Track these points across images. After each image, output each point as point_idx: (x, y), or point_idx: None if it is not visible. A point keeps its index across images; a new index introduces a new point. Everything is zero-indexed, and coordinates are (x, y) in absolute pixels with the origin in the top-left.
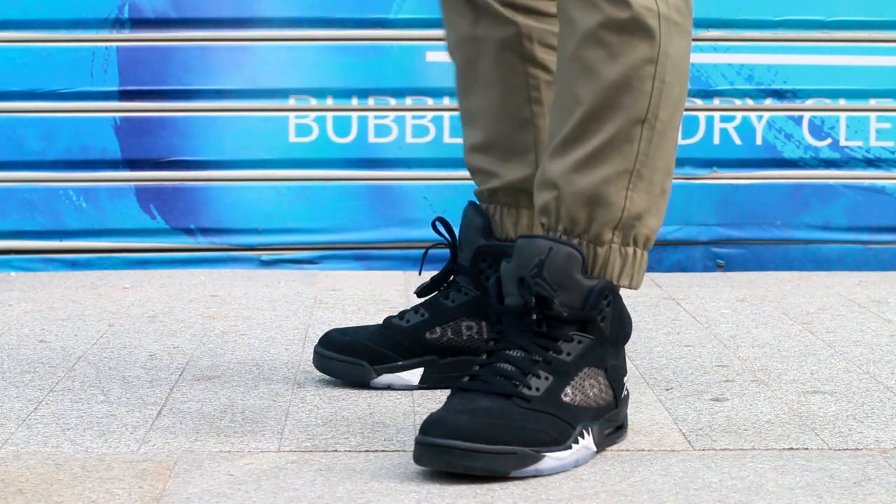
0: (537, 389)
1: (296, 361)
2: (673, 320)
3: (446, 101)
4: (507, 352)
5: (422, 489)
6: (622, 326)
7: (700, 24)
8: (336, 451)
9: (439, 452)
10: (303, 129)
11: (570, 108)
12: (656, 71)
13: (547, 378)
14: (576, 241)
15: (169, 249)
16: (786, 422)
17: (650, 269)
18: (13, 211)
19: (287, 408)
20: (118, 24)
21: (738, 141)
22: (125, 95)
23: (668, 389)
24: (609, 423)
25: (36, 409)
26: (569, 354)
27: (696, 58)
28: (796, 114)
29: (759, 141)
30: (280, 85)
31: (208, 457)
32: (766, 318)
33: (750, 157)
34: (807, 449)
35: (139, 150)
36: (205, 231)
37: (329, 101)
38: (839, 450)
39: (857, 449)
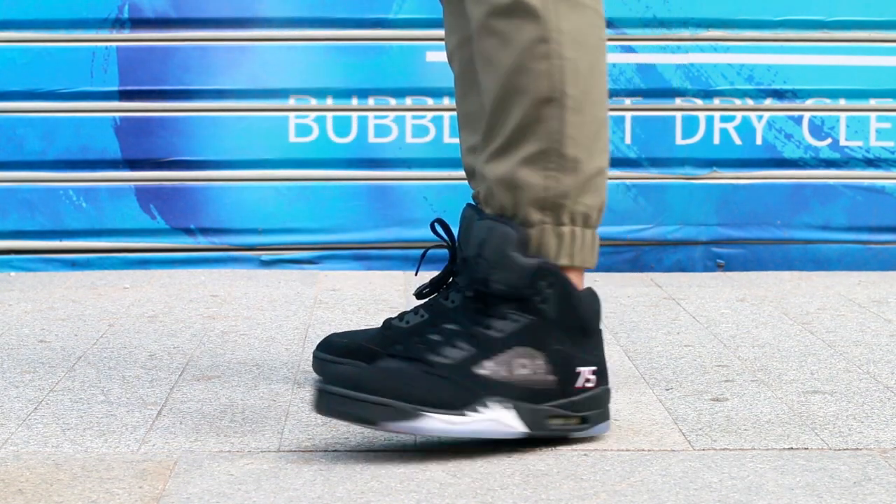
0: (450, 357)
1: (296, 361)
2: (673, 320)
3: (446, 101)
4: (444, 325)
5: (422, 489)
6: (574, 312)
7: (700, 23)
8: (336, 451)
9: (321, 397)
10: (303, 129)
11: (484, 102)
12: (550, 49)
13: (465, 349)
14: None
15: (169, 249)
16: (786, 422)
17: (650, 268)
18: (13, 211)
19: (287, 408)
20: (118, 23)
21: (738, 141)
22: (125, 95)
23: (668, 389)
24: (560, 410)
25: (36, 409)
26: (500, 331)
27: (696, 58)
28: (796, 114)
29: (759, 141)
30: (280, 85)
31: (208, 457)
32: (766, 317)
33: (750, 156)
34: (807, 449)
35: (139, 149)
36: (205, 231)
37: (329, 101)
38: (839, 450)
39: (857, 449)
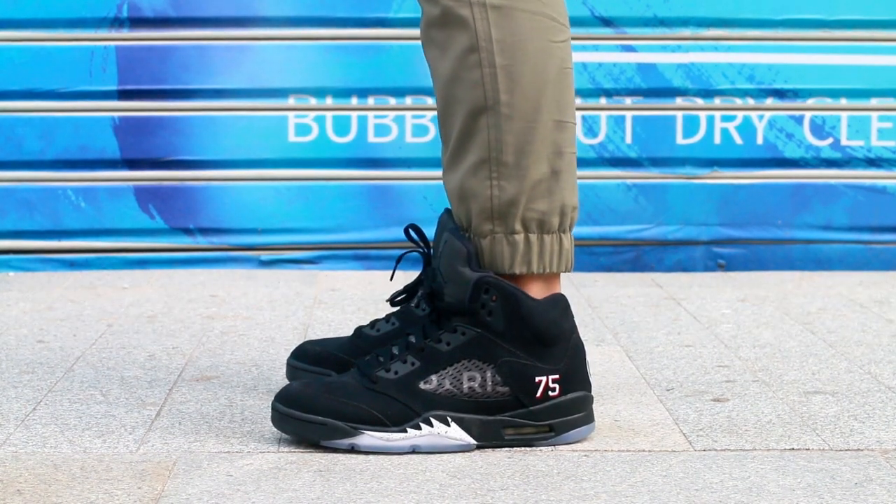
0: (395, 373)
1: None
2: (674, 320)
3: None
4: (408, 335)
5: (421, 490)
6: (524, 323)
7: (701, 23)
8: (336, 451)
9: (273, 413)
10: (302, 129)
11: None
12: (481, 58)
13: (413, 364)
14: (466, 236)
15: (168, 249)
16: (787, 422)
17: (650, 268)
18: (12, 211)
19: None
20: (117, 23)
21: (738, 140)
22: (124, 95)
23: (668, 390)
24: (518, 420)
25: (34, 409)
26: (448, 344)
27: (696, 57)
28: (797, 113)
29: (759, 140)
30: (279, 84)
31: (207, 457)
32: (767, 318)
33: (751, 156)
34: (808, 449)
35: (138, 149)
36: (204, 231)
37: (329, 101)
38: (840, 450)
39: (858, 449)
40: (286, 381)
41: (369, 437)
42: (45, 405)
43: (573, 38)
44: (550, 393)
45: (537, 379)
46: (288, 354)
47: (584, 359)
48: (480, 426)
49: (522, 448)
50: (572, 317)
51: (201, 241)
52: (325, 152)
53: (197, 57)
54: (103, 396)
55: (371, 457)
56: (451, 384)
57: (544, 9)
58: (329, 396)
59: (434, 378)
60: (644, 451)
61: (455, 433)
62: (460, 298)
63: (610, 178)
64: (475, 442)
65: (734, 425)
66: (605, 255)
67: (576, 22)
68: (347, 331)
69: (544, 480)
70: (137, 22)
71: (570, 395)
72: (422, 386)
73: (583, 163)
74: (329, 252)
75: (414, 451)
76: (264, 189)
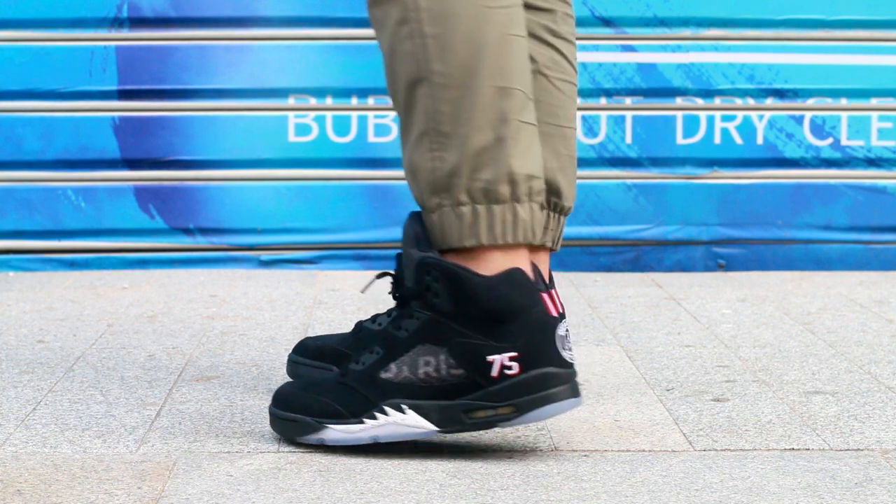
0: (363, 364)
1: None
2: (674, 320)
3: None
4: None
5: (421, 490)
6: (471, 301)
7: (701, 23)
8: (335, 451)
9: (269, 414)
10: (302, 129)
11: None
12: (411, 28)
13: (378, 353)
14: (421, 215)
15: (168, 249)
16: (787, 422)
17: (650, 268)
18: (12, 211)
19: None
20: (117, 23)
21: (739, 140)
22: (124, 95)
23: (668, 390)
24: (478, 402)
25: (34, 409)
26: (406, 331)
27: (696, 57)
28: (797, 113)
29: (760, 140)
30: (279, 84)
31: (207, 457)
32: (767, 318)
33: (751, 156)
34: (808, 449)
35: (138, 149)
36: (204, 231)
37: (329, 101)
38: (841, 450)
39: (858, 449)
40: (287, 379)
41: (333, 431)
42: (45, 405)
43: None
44: (508, 372)
45: (489, 358)
46: (288, 354)
47: (551, 335)
48: (440, 412)
49: (522, 448)
50: (532, 291)
51: (201, 241)
52: (325, 152)
53: (197, 57)
54: (103, 396)
55: (371, 456)
56: (408, 371)
57: None
58: (304, 394)
59: (393, 366)
60: (644, 451)
61: (412, 420)
62: (411, 280)
63: (610, 178)
64: (436, 428)
65: (734, 425)
66: (605, 255)
67: (576, 22)
68: (347, 330)
69: (544, 480)
70: (137, 22)
71: (531, 373)
72: (382, 375)
73: (583, 163)
74: (329, 252)
75: (376, 441)
76: (264, 189)
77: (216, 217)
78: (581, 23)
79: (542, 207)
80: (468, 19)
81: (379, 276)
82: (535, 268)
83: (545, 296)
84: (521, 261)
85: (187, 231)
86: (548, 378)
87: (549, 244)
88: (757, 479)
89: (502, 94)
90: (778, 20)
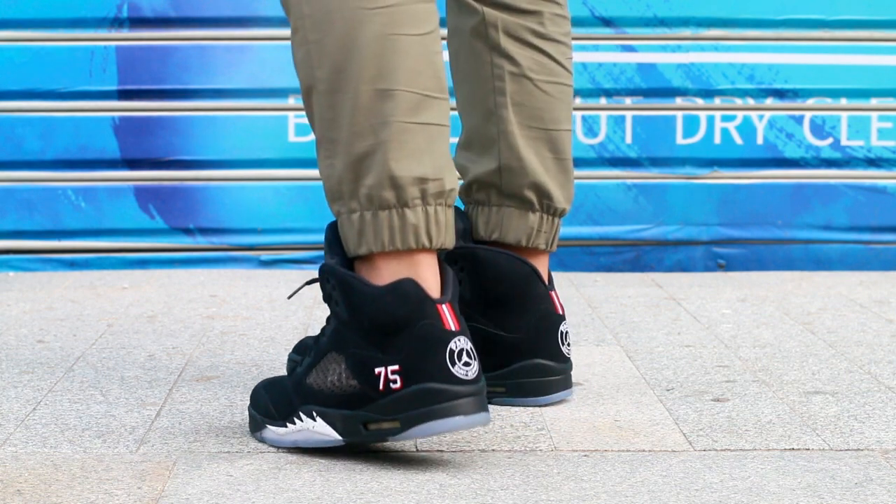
0: (301, 367)
1: None
2: (674, 320)
3: None
4: None
5: (422, 490)
6: (360, 311)
7: (701, 23)
8: (335, 451)
9: None
10: (302, 129)
11: None
12: (299, 37)
13: (310, 358)
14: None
15: (168, 249)
16: (787, 422)
17: (650, 268)
18: (12, 211)
19: None
20: (117, 23)
21: (739, 140)
22: (124, 95)
23: (668, 390)
24: (370, 415)
25: (34, 409)
26: (324, 337)
27: (696, 57)
28: (797, 113)
29: (760, 140)
30: (279, 84)
31: (207, 457)
32: (767, 318)
33: (751, 156)
34: (808, 449)
35: (138, 149)
36: (204, 231)
37: None
38: (840, 450)
39: (858, 449)
40: None
41: (269, 431)
42: (45, 405)
43: (573, 38)
44: (392, 385)
45: (377, 370)
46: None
47: (437, 350)
48: (343, 421)
49: (522, 448)
50: (421, 303)
51: (201, 241)
52: None
53: (197, 57)
54: (103, 396)
55: (371, 456)
56: (321, 378)
57: None
58: (263, 391)
59: (314, 371)
60: (644, 451)
61: (321, 428)
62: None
63: (610, 178)
64: (341, 438)
65: (734, 425)
66: (605, 255)
67: (576, 22)
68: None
69: (544, 480)
70: (137, 22)
71: (411, 388)
72: (307, 380)
73: (583, 163)
74: None
75: (296, 446)
76: (264, 189)
77: (216, 217)
78: (581, 23)
79: (445, 207)
80: (342, 22)
81: (308, 283)
82: (449, 276)
83: (442, 307)
84: (417, 269)
85: (187, 231)
86: (429, 393)
87: (542, 245)
88: (757, 479)
89: (381, 96)
90: (778, 20)
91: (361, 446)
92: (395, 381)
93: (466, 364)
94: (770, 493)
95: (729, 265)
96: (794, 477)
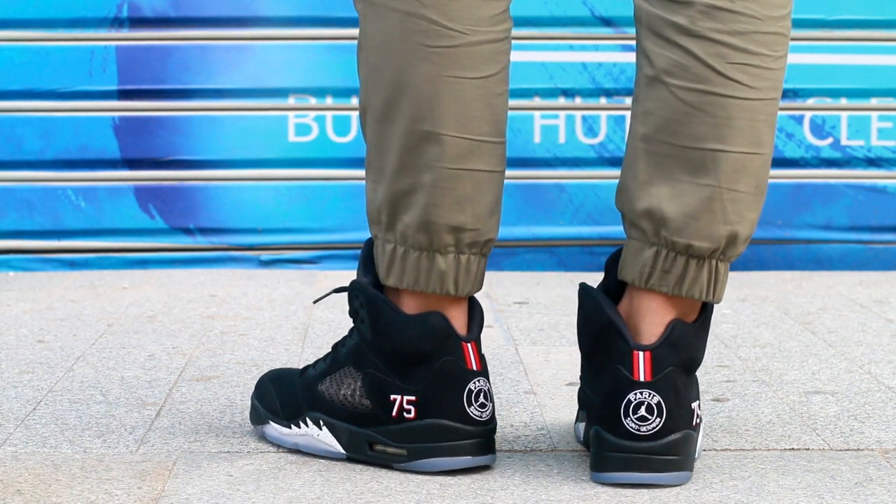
0: (314, 370)
1: (295, 361)
2: None
3: None
4: None
5: (421, 490)
6: (383, 336)
7: None
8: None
9: None
10: (302, 129)
11: None
12: (363, 56)
13: (324, 363)
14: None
15: (168, 249)
16: (787, 422)
17: None
18: (12, 210)
19: None
20: (117, 23)
21: None
22: (124, 95)
23: None
24: (379, 437)
25: (34, 409)
26: (345, 349)
27: None
28: (797, 113)
29: None
30: (279, 84)
31: (207, 457)
32: (767, 318)
33: None
34: (808, 449)
35: (138, 149)
36: (204, 231)
37: (329, 101)
38: (840, 450)
39: (858, 449)
40: None
41: (271, 428)
42: (45, 405)
43: (573, 38)
44: (406, 414)
45: (392, 397)
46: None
47: (457, 388)
48: (349, 436)
49: (522, 448)
50: (447, 339)
51: (201, 240)
52: (325, 152)
53: (197, 57)
54: (103, 396)
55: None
56: (334, 389)
57: (422, 10)
58: (269, 384)
59: (328, 379)
60: None
61: (326, 438)
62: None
63: (610, 178)
64: (344, 452)
65: (734, 425)
66: (605, 255)
67: (576, 22)
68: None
69: (544, 480)
70: (137, 22)
71: (425, 421)
72: (319, 387)
73: (583, 163)
74: (329, 252)
75: (296, 448)
76: (264, 189)
77: (216, 217)
78: (581, 23)
79: (479, 257)
80: (400, 56)
81: (336, 291)
82: (476, 313)
83: (467, 346)
84: (443, 304)
85: (187, 231)
86: (440, 430)
87: (664, 288)
88: (757, 478)
89: (429, 138)
90: None
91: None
92: (409, 411)
93: (482, 406)
94: (770, 492)
95: (729, 265)
96: (794, 477)
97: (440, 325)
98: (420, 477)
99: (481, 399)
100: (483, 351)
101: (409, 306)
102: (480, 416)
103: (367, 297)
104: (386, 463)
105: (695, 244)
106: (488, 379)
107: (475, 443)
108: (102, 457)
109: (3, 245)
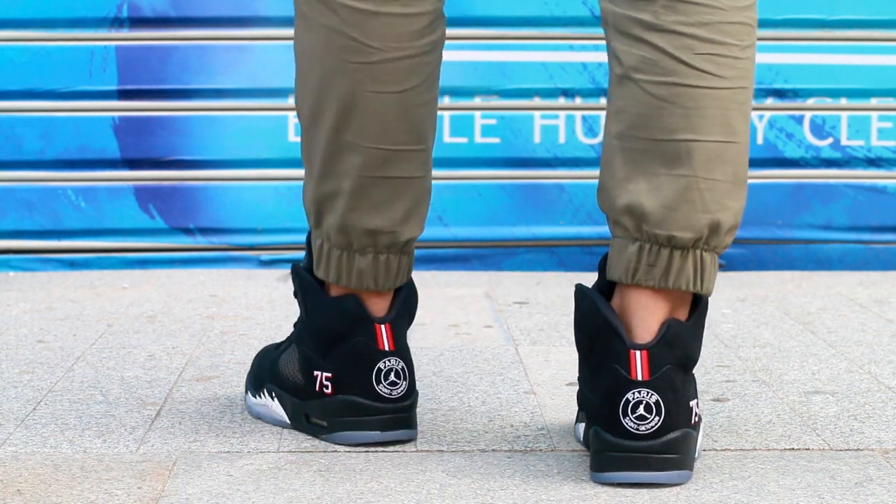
0: (285, 343)
1: None
2: None
3: (446, 100)
4: None
5: (421, 490)
6: (310, 315)
7: None
8: (336, 451)
9: None
10: None
11: None
12: (295, 58)
13: (287, 339)
14: None
15: (168, 249)
16: (787, 422)
17: None
18: (12, 210)
19: None
20: (117, 23)
21: None
22: (124, 95)
23: None
24: (312, 410)
25: (34, 409)
26: (296, 327)
27: None
28: (797, 113)
29: (760, 140)
30: (279, 84)
31: (207, 457)
32: (767, 318)
33: (751, 156)
34: (808, 449)
35: (138, 149)
36: (204, 231)
37: None
38: (840, 450)
39: (858, 449)
40: None
41: (248, 396)
42: (45, 405)
43: (572, 38)
44: (325, 390)
45: (315, 373)
46: None
47: (366, 367)
48: (292, 408)
49: (522, 448)
50: (361, 321)
51: (201, 240)
52: None
53: (197, 57)
54: (103, 396)
55: (371, 456)
56: (284, 362)
57: (343, 27)
58: (255, 360)
59: (284, 355)
60: None
61: (277, 409)
62: None
63: None
64: (288, 422)
65: (734, 425)
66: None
67: (576, 22)
68: None
69: (544, 480)
70: (137, 22)
71: (339, 397)
72: (279, 360)
73: (583, 163)
74: None
75: (259, 418)
76: (264, 189)
77: (216, 217)
78: (581, 23)
79: (399, 255)
80: (322, 68)
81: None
82: (400, 296)
83: (380, 327)
84: (365, 292)
85: (187, 231)
86: (352, 406)
87: (650, 283)
88: (757, 478)
89: (349, 148)
90: (778, 20)
91: (361, 447)
92: (327, 387)
93: (393, 384)
94: (770, 492)
95: (729, 265)
96: (794, 477)
97: (353, 307)
98: (420, 477)
99: (391, 377)
100: (481, 349)
101: (335, 290)
102: (390, 394)
103: (300, 280)
104: (316, 434)
105: (676, 235)
106: (404, 358)
107: (385, 419)
108: (102, 457)
109: (3, 245)
